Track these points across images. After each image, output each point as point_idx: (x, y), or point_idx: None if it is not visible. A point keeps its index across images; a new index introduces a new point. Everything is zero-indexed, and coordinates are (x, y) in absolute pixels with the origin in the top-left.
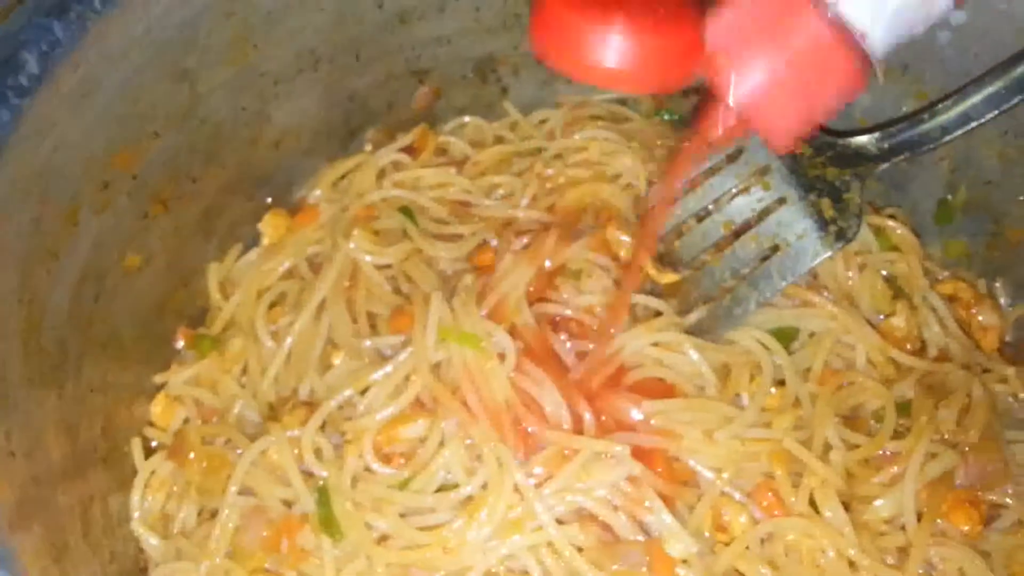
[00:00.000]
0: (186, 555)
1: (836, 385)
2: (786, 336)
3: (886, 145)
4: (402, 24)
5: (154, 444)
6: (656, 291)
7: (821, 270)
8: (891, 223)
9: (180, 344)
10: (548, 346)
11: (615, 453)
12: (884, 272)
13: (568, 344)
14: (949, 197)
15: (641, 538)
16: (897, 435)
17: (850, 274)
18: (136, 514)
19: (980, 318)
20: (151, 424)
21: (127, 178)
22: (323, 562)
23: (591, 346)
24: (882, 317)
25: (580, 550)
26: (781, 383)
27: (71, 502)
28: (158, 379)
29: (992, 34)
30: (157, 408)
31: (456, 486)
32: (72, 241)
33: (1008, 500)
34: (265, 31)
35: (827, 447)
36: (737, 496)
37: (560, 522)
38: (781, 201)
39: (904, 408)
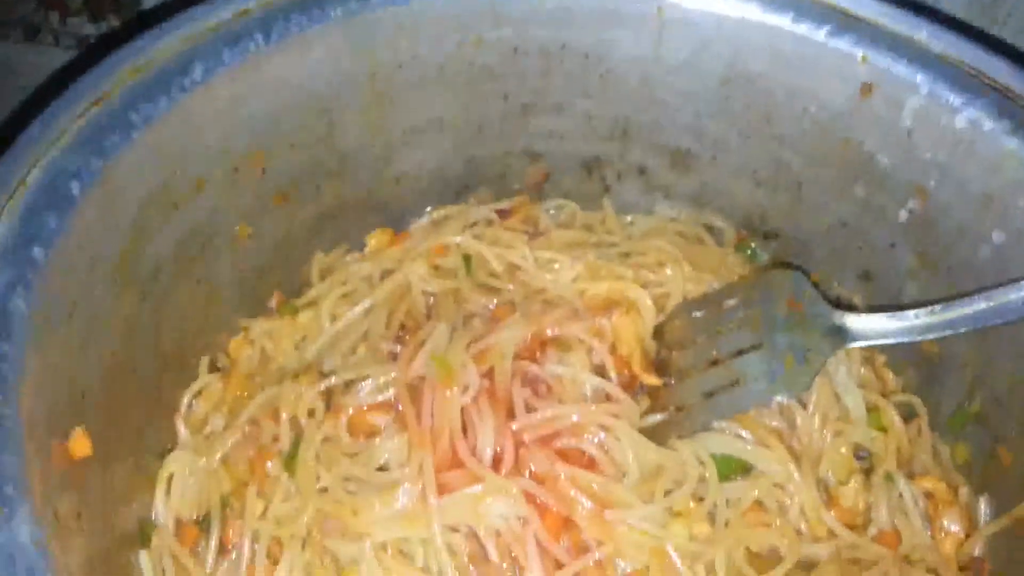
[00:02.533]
0: (198, 450)
1: (757, 521)
2: (737, 466)
3: (859, 328)
4: (523, 115)
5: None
6: (636, 387)
7: (800, 421)
8: (886, 406)
9: (273, 304)
10: (508, 395)
11: (510, 492)
12: (862, 445)
13: (527, 399)
14: (966, 404)
15: (507, 569)
16: None
17: (824, 435)
18: (182, 410)
19: (945, 521)
20: (223, 352)
21: (257, 170)
22: (276, 488)
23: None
24: (836, 483)
25: (454, 555)
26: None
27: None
28: (243, 323)
29: None
30: (233, 343)
31: (388, 470)
32: (193, 201)
33: None
34: (402, 95)
35: (711, 568)
36: (611, 572)
37: (453, 529)
38: (758, 346)
39: (810, 567)
